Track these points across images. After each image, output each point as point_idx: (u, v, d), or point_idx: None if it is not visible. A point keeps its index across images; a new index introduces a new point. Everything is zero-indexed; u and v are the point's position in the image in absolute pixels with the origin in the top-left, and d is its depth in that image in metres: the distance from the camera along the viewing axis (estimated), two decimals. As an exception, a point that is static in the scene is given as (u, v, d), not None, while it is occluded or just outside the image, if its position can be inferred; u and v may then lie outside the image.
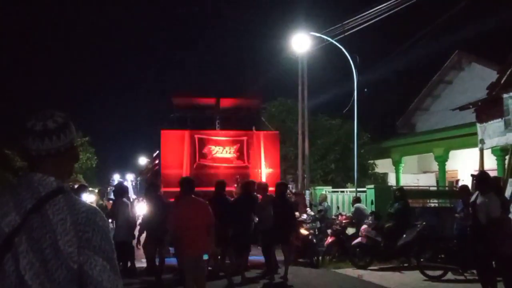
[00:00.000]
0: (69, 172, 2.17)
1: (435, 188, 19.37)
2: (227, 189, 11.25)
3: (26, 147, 2.02)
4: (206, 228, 7.36)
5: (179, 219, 7.38)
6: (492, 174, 11.66)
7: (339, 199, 17.01)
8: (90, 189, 14.41)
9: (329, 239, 13.57)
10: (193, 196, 7.60)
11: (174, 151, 14.85)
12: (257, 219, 10.89)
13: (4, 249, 1.85)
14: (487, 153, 15.75)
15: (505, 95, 12.98)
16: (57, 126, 2.05)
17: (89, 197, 14.52)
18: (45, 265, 1.84)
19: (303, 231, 12.92)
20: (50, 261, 1.84)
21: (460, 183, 15.03)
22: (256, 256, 11.82)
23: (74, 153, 2.14)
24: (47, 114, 2.08)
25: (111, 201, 13.57)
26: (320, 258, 12.78)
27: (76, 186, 12.98)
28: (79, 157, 2.03)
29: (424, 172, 24.26)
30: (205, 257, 10.20)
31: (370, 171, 22.26)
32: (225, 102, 16.46)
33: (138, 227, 11.18)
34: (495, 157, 17.21)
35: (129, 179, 59.61)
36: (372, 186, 16.07)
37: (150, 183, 12.16)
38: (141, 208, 16.68)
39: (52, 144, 2.02)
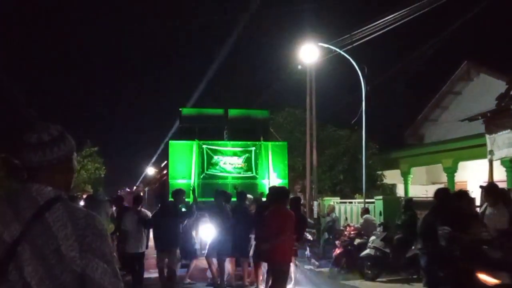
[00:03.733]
0: (67, 183, 2.21)
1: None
2: None
3: (23, 159, 2.11)
4: (290, 237, 7.68)
5: (266, 227, 7.74)
6: (502, 185, 11.61)
7: (347, 210, 16.96)
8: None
9: (337, 250, 13.51)
10: (281, 205, 7.97)
11: (182, 161, 14.86)
12: None
13: (7, 259, 1.90)
14: (497, 164, 15.66)
15: (514, 106, 12.92)
16: (51, 139, 2.10)
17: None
18: (49, 271, 1.90)
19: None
20: (54, 267, 1.90)
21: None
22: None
23: (69, 166, 2.19)
24: (43, 127, 2.14)
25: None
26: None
27: (84, 196, 13.05)
28: (75, 169, 2.09)
29: (433, 183, 24.11)
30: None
31: (378, 182, 22.19)
32: (233, 113, 16.48)
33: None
34: (504, 168, 17.11)
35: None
36: (381, 197, 16.02)
37: (160, 193, 12.21)
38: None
39: (45, 156, 2.09)
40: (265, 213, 8.44)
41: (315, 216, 17.15)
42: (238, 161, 15.27)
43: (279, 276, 7.87)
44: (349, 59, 17.02)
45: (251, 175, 15.20)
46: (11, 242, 1.93)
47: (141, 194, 31.60)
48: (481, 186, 9.25)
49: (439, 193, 8.07)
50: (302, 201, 18.31)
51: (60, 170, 2.14)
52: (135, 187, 50.98)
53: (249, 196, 11.90)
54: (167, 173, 15.25)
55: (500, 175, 16.47)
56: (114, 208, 13.48)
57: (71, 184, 2.29)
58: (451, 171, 21.19)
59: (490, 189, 8.24)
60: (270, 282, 9.01)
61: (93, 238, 1.97)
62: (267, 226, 7.78)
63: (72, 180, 2.26)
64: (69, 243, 1.93)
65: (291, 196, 12.21)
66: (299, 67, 19.70)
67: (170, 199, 10.76)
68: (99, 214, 11.03)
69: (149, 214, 10.73)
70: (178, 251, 10.38)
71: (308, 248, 14.03)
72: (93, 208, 11.40)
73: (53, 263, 1.91)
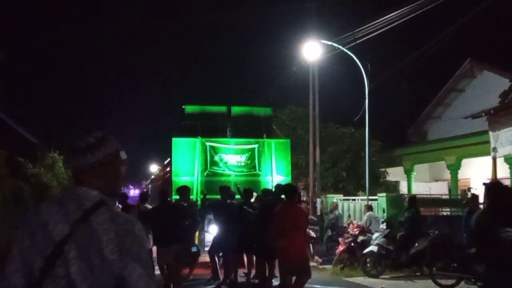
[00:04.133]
0: (112, 187, 2.36)
1: (447, 197, 19.27)
2: None
3: (72, 165, 2.29)
4: (304, 234, 7.85)
5: (280, 223, 7.76)
6: (505, 182, 11.59)
7: (350, 207, 16.96)
8: None
9: (340, 247, 13.54)
10: (294, 202, 8.15)
11: (185, 158, 14.88)
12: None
13: (55, 256, 2.08)
14: (500, 162, 15.65)
15: (517, 103, 12.91)
16: (92, 143, 2.27)
17: None
18: (91, 271, 2.07)
19: None
20: (96, 267, 2.07)
21: (472, 191, 14.95)
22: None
23: (112, 169, 2.33)
24: (87, 132, 2.32)
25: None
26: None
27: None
28: (120, 174, 2.16)
29: (436, 181, 24.12)
30: (194, 249, 10.34)
31: (381, 179, 22.16)
32: (236, 110, 16.50)
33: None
34: (508, 166, 17.07)
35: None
36: (384, 194, 16.01)
37: (161, 190, 12.21)
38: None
39: (87, 160, 2.26)
40: (274, 210, 8.51)
41: (318, 213, 17.14)
42: (241, 159, 15.29)
43: (304, 273, 7.90)
44: (352, 57, 16.99)
45: (254, 172, 15.22)
46: (59, 241, 2.09)
47: (145, 191, 31.61)
48: (484, 184, 9.25)
49: (492, 187, 7.93)
50: (304, 198, 18.35)
51: (104, 173, 2.29)
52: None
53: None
54: (170, 170, 15.27)
55: (503, 172, 16.45)
56: (117, 205, 13.45)
57: (117, 188, 2.46)
58: (454, 168, 21.17)
59: (493, 187, 8.21)
60: (274, 278, 9.01)
61: (132, 243, 2.13)
62: (281, 223, 7.75)
63: (117, 184, 2.42)
64: (111, 247, 2.09)
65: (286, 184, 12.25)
66: (303, 64, 19.68)
67: (175, 196, 10.78)
68: None
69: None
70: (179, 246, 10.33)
71: (311, 245, 14.04)
72: None
73: (96, 264, 2.07)
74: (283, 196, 8.99)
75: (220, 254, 11.33)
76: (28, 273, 2.11)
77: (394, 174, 23.46)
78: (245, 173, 15.18)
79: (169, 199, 11.69)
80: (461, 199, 16.71)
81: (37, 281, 2.08)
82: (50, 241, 2.10)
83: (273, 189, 11.65)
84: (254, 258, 10.72)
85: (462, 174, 21.38)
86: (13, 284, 2.12)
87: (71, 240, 2.09)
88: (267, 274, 10.24)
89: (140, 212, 10.36)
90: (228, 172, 15.10)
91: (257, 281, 10.55)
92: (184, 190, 10.53)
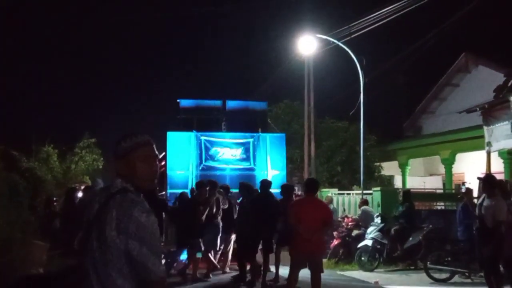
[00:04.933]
0: (133, 176, 2.68)
1: (441, 191, 19.32)
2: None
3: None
4: (322, 227, 7.75)
5: (296, 216, 7.77)
6: (499, 177, 11.64)
7: (345, 201, 16.98)
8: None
9: (335, 241, 13.57)
10: (314, 195, 8.27)
11: (180, 152, 14.87)
12: None
13: (88, 232, 2.56)
14: (494, 156, 15.71)
15: (512, 98, 12.95)
16: (119, 137, 2.72)
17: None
18: (101, 244, 2.48)
19: None
20: (104, 242, 2.46)
21: (466, 186, 15.00)
22: None
23: (130, 160, 2.67)
24: (128, 134, 2.74)
25: None
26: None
27: (82, 187, 13.02)
28: (138, 165, 2.41)
29: (431, 175, 24.18)
30: (199, 255, 10.26)
31: (376, 174, 22.20)
32: (232, 104, 16.49)
33: None
34: (502, 160, 17.14)
35: None
36: (379, 188, 16.04)
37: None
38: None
39: (114, 151, 2.71)
40: (292, 204, 8.63)
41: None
42: (236, 153, 15.29)
43: (319, 267, 7.93)
44: (347, 51, 16.97)
45: (249, 166, 15.23)
46: (90, 220, 2.57)
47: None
48: (479, 178, 9.30)
49: (487, 180, 8.01)
50: (299, 193, 18.36)
51: (125, 164, 2.68)
52: None
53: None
54: (165, 164, 15.26)
55: (497, 166, 16.52)
56: None
57: (144, 177, 2.73)
58: (448, 163, 21.24)
59: (487, 180, 8.25)
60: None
61: (128, 223, 2.45)
62: (308, 217, 7.71)
63: (140, 173, 2.70)
64: (111, 225, 2.46)
65: (285, 183, 12.22)
66: (298, 58, 19.65)
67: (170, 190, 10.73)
68: None
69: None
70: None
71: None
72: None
73: (103, 240, 2.47)
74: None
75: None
76: None
77: (389, 168, 23.52)
78: (240, 167, 15.19)
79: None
80: (455, 193, 16.77)
81: (81, 254, 2.60)
82: (86, 220, 2.61)
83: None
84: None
85: (456, 168, 21.45)
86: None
87: (95, 220, 2.54)
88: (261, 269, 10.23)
89: None
90: (223, 166, 15.11)
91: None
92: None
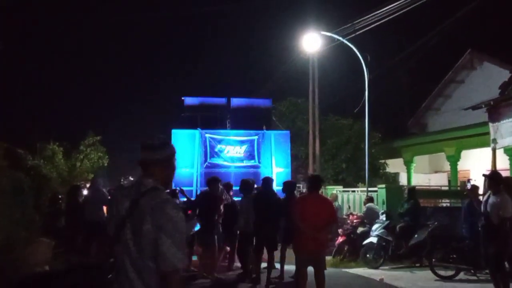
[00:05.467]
0: (166, 178, 3.19)
1: (446, 188, 19.27)
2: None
3: (140, 158, 3.12)
4: (326, 225, 7.73)
5: (300, 213, 7.73)
6: (505, 174, 11.60)
7: (350, 199, 16.97)
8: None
9: (340, 239, 13.55)
10: (317, 192, 8.21)
11: (185, 150, 14.87)
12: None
13: (121, 225, 2.97)
14: (500, 153, 15.64)
15: (517, 94, 12.89)
16: (157, 144, 3.13)
17: None
18: (135, 236, 2.92)
19: None
20: (139, 234, 2.89)
21: (471, 183, 14.95)
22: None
23: (168, 165, 3.19)
24: (155, 135, 3.19)
25: None
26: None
27: (88, 185, 13.06)
28: (174, 168, 3.27)
29: (436, 172, 24.13)
30: (194, 258, 10.21)
31: (381, 171, 22.16)
32: (236, 102, 16.48)
33: None
34: (507, 157, 17.07)
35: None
36: (384, 186, 16.01)
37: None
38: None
39: (150, 156, 3.10)
40: (296, 201, 8.64)
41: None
42: (241, 150, 15.28)
43: (323, 265, 7.91)
44: (352, 48, 16.93)
45: (254, 164, 15.21)
46: (123, 215, 2.98)
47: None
48: (484, 175, 9.26)
49: (493, 177, 7.97)
50: (304, 190, 18.34)
51: (161, 168, 3.12)
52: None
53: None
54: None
55: (503, 163, 16.45)
56: None
57: (170, 179, 3.32)
58: (454, 160, 21.16)
59: (493, 177, 8.22)
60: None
61: (161, 218, 2.87)
62: (312, 215, 7.67)
63: (171, 176, 3.27)
64: (147, 220, 2.87)
65: (287, 180, 12.15)
66: (303, 55, 19.62)
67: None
68: (98, 204, 11.09)
69: None
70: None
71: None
72: (94, 197, 11.40)
73: (138, 232, 2.89)
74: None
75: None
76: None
77: (394, 165, 23.47)
78: (245, 165, 15.17)
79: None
80: (461, 190, 16.71)
81: (112, 243, 3.02)
82: (119, 215, 3.01)
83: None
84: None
85: (461, 165, 21.37)
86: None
87: (129, 214, 2.94)
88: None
89: None
90: (227, 163, 15.10)
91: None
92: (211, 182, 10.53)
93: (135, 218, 2.91)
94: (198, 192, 13.33)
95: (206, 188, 11.00)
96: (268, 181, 10.46)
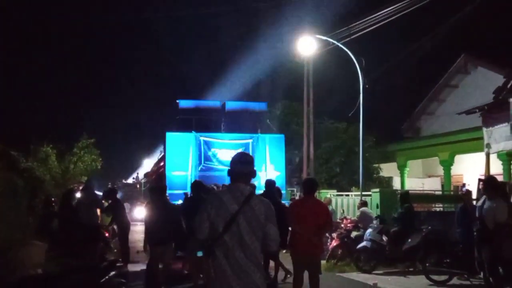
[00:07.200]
0: (251, 184, 4.90)
1: (440, 193, 19.31)
2: None
3: (235, 170, 4.22)
4: (321, 227, 7.69)
5: (297, 216, 7.72)
6: (498, 179, 11.60)
7: (344, 203, 16.96)
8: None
9: (334, 243, 13.53)
10: (313, 196, 8.13)
11: (179, 153, 14.85)
12: None
13: (231, 220, 3.99)
14: (493, 158, 15.68)
15: (511, 99, 12.93)
16: (252, 159, 4.39)
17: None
18: (252, 229, 4.03)
19: None
20: (255, 227, 4.04)
21: (465, 188, 14.97)
22: None
23: (253, 175, 4.27)
24: (246, 153, 4.72)
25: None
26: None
27: (81, 187, 12.98)
28: (255, 175, 4.49)
29: (429, 176, 24.17)
30: (199, 254, 10.08)
31: (375, 175, 22.19)
32: (231, 105, 16.49)
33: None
34: (501, 162, 17.11)
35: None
36: (377, 190, 16.01)
37: (154, 185, 12.10)
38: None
39: (245, 169, 4.24)
40: (291, 204, 8.63)
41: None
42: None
43: (318, 269, 7.88)
44: (347, 52, 16.95)
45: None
46: (233, 213, 4.00)
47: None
48: (479, 179, 9.27)
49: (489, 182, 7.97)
50: (298, 193, 18.31)
51: (250, 177, 4.26)
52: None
53: None
54: (164, 165, 15.24)
55: (496, 168, 16.49)
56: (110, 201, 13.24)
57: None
58: (447, 164, 21.22)
59: (490, 182, 8.23)
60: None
61: (269, 212, 4.12)
62: (307, 218, 7.65)
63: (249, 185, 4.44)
64: (262, 215, 4.07)
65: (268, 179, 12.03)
66: (297, 59, 19.63)
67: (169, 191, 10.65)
68: (91, 208, 11.06)
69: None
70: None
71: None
72: (88, 201, 11.33)
73: (254, 225, 4.03)
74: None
75: None
76: (212, 230, 4.03)
77: (388, 169, 23.51)
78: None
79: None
80: (454, 195, 16.74)
81: (220, 234, 3.98)
82: (228, 213, 4.01)
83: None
84: None
85: (455, 170, 21.44)
86: (203, 231, 4.07)
87: (240, 212, 4.00)
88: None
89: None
90: (222, 167, 15.08)
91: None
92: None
93: (247, 213, 4.01)
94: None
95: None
96: (271, 184, 10.32)
